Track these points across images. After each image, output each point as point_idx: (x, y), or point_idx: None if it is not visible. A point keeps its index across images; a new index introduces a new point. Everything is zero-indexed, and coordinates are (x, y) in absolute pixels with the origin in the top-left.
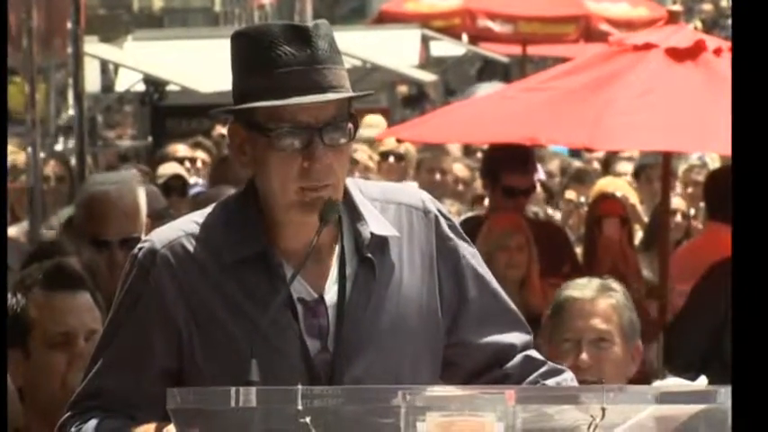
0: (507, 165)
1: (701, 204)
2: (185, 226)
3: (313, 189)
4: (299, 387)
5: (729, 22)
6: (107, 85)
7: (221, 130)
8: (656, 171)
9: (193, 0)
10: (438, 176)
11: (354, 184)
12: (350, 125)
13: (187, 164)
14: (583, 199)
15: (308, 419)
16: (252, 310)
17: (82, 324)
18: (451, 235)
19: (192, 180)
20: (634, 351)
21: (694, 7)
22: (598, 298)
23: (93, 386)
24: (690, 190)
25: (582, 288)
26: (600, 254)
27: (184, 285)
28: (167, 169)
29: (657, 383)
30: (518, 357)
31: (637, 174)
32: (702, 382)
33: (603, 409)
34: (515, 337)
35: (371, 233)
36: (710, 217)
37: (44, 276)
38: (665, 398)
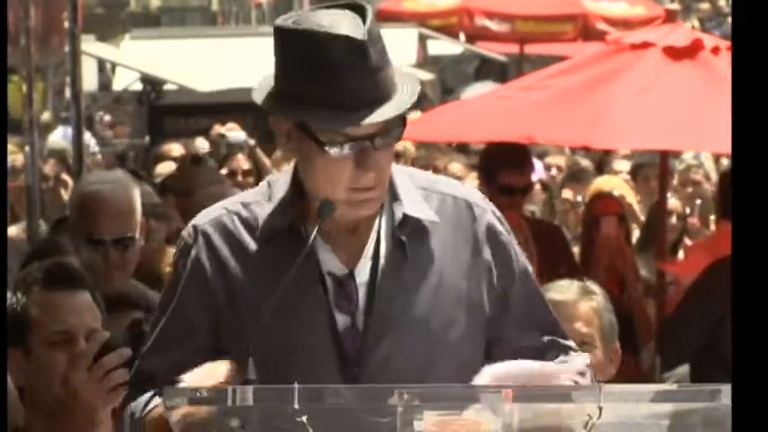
0: (504, 163)
1: (698, 202)
2: (229, 204)
3: (363, 190)
4: (296, 386)
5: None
6: (104, 84)
7: (219, 129)
8: (653, 170)
9: None
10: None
11: (404, 171)
12: (402, 125)
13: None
14: (579, 198)
15: (304, 418)
16: (282, 284)
17: (82, 323)
18: (504, 233)
19: None
20: (612, 353)
21: (692, 6)
22: (579, 301)
23: (142, 367)
24: (689, 190)
25: (564, 291)
26: (597, 252)
27: (222, 261)
28: (164, 168)
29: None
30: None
31: (634, 173)
32: (684, 369)
33: (600, 408)
34: (549, 342)
35: (404, 214)
36: (723, 216)
37: (44, 275)
38: (663, 396)
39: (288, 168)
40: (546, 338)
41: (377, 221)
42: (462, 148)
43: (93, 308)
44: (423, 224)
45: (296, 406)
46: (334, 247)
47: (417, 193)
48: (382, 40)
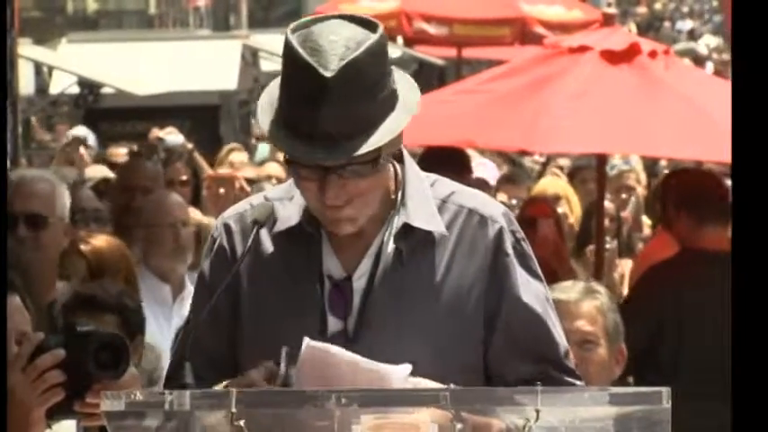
0: (441, 166)
1: (630, 206)
2: (254, 199)
3: (335, 208)
4: (233, 390)
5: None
6: (41, 88)
7: (157, 132)
8: (591, 173)
9: (128, 2)
10: None
11: (426, 178)
12: (380, 159)
13: None
14: (515, 201)
15: (242, 422)
16: (284, 282)
17: (12, 326)
18: (510, 253)
19: None
20: (618, 353)
21: (629, 10)
22: (583, 300)
23: (177, 359)
24: (623, 195)
25: (567, 290)
26: (535, 253)
27: (238, 252)
28: (95, 172)
29: None
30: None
31: (571, 175)
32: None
33: (538, 411)
34: (538, 371)
35: (404, 223)
36: (658, 223)
37: None
38: (602, 399)
39: None
40: (535, 369)
41: (383, 229)
42: None
43: (22, 311)
44: (429, 235)
45: (233, 410)
46: (337, 250)
47: (432, 203)
48: (368, 70)
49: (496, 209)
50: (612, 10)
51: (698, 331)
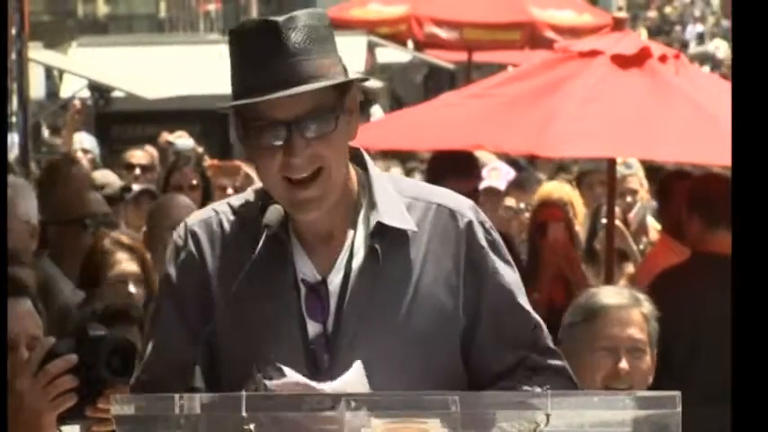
0: (451, 169)
1: (635, 209)
2: (218, 206)
3: (299, 185)
4: (243, 394)
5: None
6: (52, 92)
7: (167, 136)
8: (598, 177)
9: (138, 6)
10: None
11: (389, 179)
12: (339, 113)
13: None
14: (523, 205)
15: (251, 426)
16: (259, 288)
17: (24, 331)
18: (484, 245)
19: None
20: (654, 361)
21: (639, 14)
22: (633, 307)
23: (145, 369)
24: (628, 198)
25: (615, 296)
26: (546, 258)
27: (209, 260)
28: (102, 177)
29: None
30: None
31: (578, 179)
32: None
33: (548, 416)
34: (520, 359)
35: (378, 222)
36: (664, 228)
37: None
38: (613, 403)
39: None
40: (518, 355)
41: (353, 229)
42: (398, 154)
43: (34, 315)
44: (401, 233)
45: (243, 414)
46: (310, 254)
47: (400, 201)
48: (317, 30)
49: (464, 202)
50: (623, 14)
51: (711, 335)
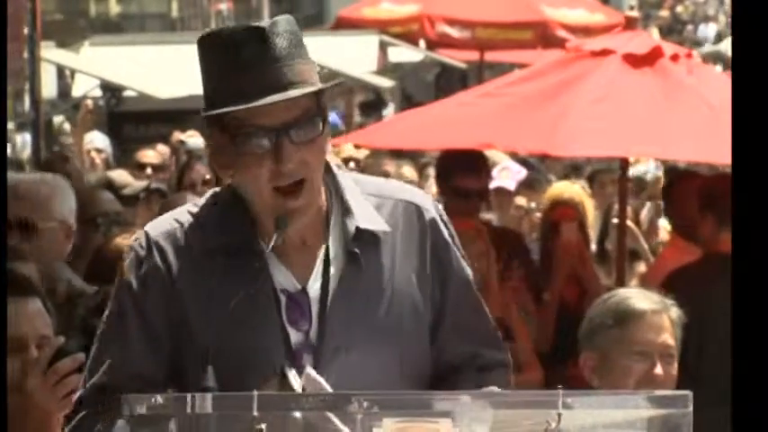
0: (461, 167)
1: (645, 209)
2: (179, 215)
3: (288, 189)
4: (255, 393)
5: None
6: (64, 91)
7: (179, 136)
8: (610, 176)
9: (150, 5)
10: None
11: (350, 178)
12: (322, 117)
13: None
14: (533, 204)
15: (263, 426)
16: (238, 301)
17: (33, 330)
18: (448, 240)
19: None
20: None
21: (651, 14)
22: (664, 312)
23: (103, 381)
24: (643, 197)
25: (645, 300)
26: (559, 258)
27: (175, 272)
28: (117, 176)
29: None
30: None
31: (590, 179)
32: None
33: (560, 415)
34: (477, 351)
35: (357, 227)
36: (674, 228)
37: None
38: (625, 402)
39: (228, 183)
40: (474, 349)
41: (325, 235)
42: (407, 153)
43: (43, 315)
44: (375, 235)
45: (255, 413)
46: (286, 264)
47: (367, 201)
48: (297, 35)
49: (426, 197)
50: (635, 13)
51: (723, 336)
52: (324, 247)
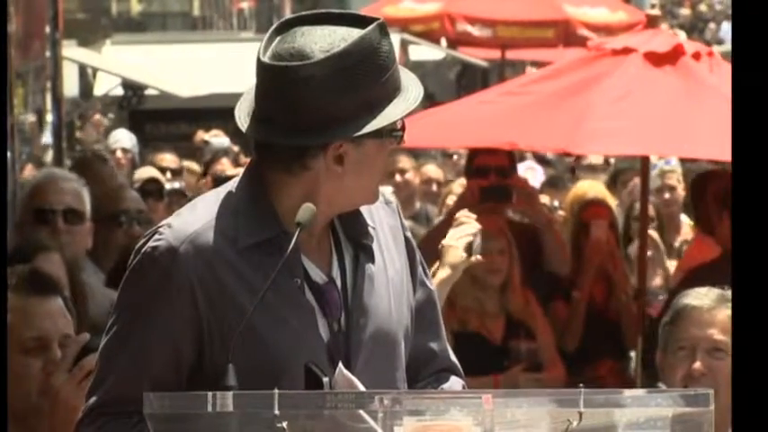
0: (489, 166)
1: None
2: (199, 219)
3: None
4: (276, 392)
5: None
6: (85, 90)
7: (203, 135)
8: (632, 175)
9: (172, 4)
10: (398, 178)
11: None
12: None
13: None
14: (556, 203)
15: (284, 424)
16: (269, 294)
17: (56, 329)
18: (409, 233)
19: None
20: None
21: (673, 12)
22: (717, 308)
23: (117, 392)
24: (666, 195)
25: (701, 297)
26: (589, 257)
27: (204, 278)
28: (143, 173)
29: None
30: (437, 365)
31: (613, 177)
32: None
33: (581, 414)
34: (438, 346)
35: (360, 220)
36: (696, 224)
37: (17, 282)
38: (645, 401)
39: (235, 180)
40: (439, 346)
41: (331, 228)
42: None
43: (65, 313)
44: (372, 228)
45: (276, 412)
46: (309, 256)
47: None
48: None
49: (387, 190)
50: (656, 11)
51: None
52: (332, 241)
